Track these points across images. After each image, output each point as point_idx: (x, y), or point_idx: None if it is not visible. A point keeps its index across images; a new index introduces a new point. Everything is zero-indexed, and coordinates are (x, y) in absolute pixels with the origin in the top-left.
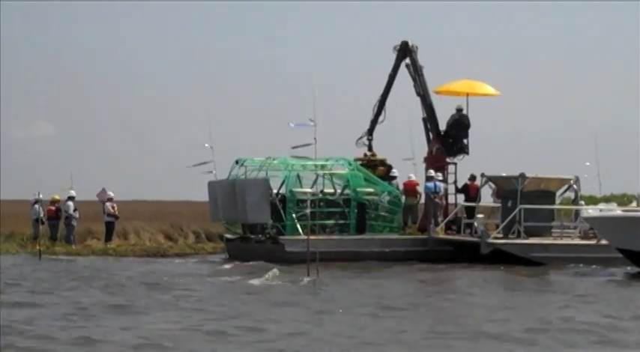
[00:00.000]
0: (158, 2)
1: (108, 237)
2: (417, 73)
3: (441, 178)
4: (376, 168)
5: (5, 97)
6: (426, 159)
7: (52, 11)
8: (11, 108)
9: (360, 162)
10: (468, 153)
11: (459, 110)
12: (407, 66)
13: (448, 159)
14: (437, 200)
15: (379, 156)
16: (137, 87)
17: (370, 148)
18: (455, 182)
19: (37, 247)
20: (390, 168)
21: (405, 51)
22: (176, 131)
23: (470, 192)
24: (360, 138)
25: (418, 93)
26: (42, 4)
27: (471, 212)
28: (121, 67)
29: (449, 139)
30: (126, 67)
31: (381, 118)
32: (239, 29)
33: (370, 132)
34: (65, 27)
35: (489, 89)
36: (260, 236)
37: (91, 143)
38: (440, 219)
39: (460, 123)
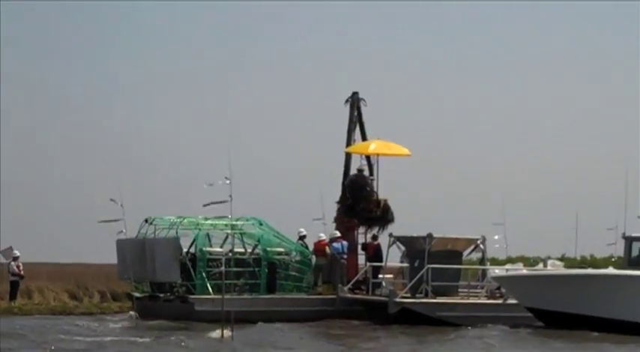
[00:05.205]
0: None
1: (12, 296)
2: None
3: (337, 236)
4: None
5: None
6: (335, 219)
7: None
8: None
9: None
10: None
11: (360, 171)
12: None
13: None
14: (343, 260)
15: None
16: (38, 147)
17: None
18: (365, 242)
19: None
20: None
21: (354, 102)
22: (80, 190)
23: (368, 251)
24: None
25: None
26: None
27: (376, 272)
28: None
29: (347, 201)
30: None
31: None
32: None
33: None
34: None
35: (399, 150)
36: (168, 294)
37: None
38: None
39: (356, 184)
